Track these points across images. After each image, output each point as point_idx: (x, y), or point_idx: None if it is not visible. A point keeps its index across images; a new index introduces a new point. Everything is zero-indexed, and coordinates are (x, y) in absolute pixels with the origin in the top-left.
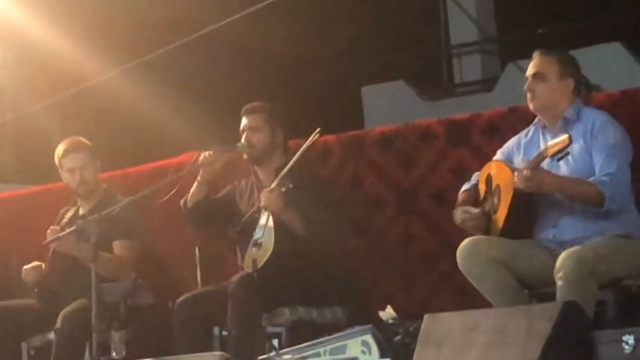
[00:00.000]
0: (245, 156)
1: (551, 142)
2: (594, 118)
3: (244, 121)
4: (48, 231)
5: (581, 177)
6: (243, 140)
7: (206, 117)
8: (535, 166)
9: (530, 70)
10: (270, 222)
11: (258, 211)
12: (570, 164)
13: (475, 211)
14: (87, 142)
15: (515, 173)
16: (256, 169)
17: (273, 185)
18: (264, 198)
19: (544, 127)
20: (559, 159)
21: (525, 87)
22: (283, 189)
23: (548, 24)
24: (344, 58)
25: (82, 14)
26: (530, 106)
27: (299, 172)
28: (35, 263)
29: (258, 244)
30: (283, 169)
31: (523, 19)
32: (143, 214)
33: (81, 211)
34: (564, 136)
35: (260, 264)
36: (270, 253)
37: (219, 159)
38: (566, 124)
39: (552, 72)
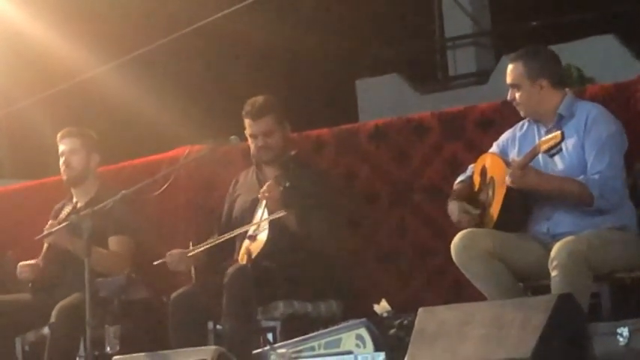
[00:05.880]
0: (264, 158)
1: (544, 138)
2: (588, 111)
3: (254, 125)
4: (46, 227)
5: (575, 172)
6: (260, 142)
7: (199, 111)
8: (528, 160)
9: (507, 80)
10: (266, 215)
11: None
12: (565, 159)
13: (475, 212)
14: (87, 132)
15: (506, 174)
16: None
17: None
18: (265, 190)
19: (537, 121)
20: (552, 155)
21: (508, 98)
22: (281, 188)
23: (542, 16)
24: (338, 52)
25: (75, 9)
26: (521, 114)
27: (301, 166)
28: (32, 261)
29: (252, 237)
30: (288, 160)
31: (517, 11)
32: (136, 208)
33: (78, 206)
34: (557, 132)
35: (254, 255)
36: (262, 245)
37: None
38: (560, 121)
39: (522, 78)
